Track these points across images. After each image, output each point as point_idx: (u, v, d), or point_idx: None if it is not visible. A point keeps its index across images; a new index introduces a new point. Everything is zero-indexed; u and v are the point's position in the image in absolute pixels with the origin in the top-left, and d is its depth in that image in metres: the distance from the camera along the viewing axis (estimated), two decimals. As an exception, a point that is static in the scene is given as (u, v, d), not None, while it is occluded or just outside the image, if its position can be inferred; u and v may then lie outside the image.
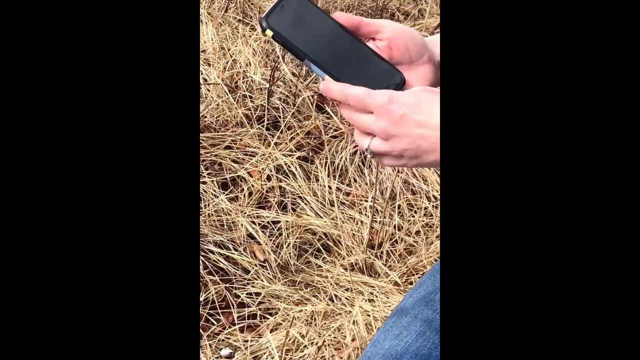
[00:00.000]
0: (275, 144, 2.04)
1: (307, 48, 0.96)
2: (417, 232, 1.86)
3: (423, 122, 0.91)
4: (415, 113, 0.92)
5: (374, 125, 0.92)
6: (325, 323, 1.60)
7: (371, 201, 1.90)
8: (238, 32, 2.46)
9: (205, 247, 1.76)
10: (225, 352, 1.58)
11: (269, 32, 0.96)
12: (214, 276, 1.72)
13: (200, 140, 2.02)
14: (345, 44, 0.98)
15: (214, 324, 1.65)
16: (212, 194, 1.89)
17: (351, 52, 0.99)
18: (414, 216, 1.90)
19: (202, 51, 2.36)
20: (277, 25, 0.96)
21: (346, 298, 1.67)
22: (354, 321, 1.57)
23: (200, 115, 2.09)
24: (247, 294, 1.71)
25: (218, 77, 2.23)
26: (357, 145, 2.04)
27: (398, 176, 1.95)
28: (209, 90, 2.19)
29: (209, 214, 1.84)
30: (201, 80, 2.21)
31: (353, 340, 1.53)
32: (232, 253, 1.78)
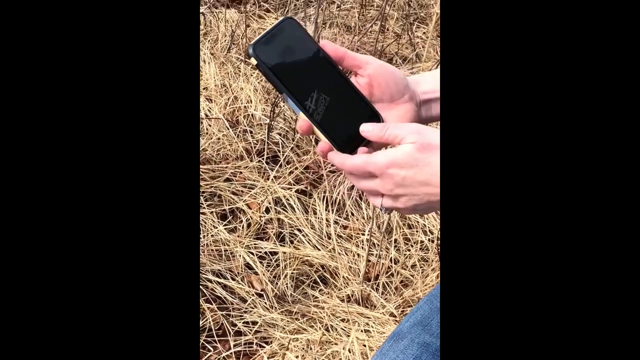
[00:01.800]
0: (275, 177, 2.04)
1: (287, 82, 0.96)
2: (413, 266, 1.86)
3: (427, 181, 0.92)
4: (417, 175, 0.93)
5: (381, 188, 0.94)
6: (321, 351, 1.59)
7: (368, 235, 1.90)
8: (240, 71, 2.49)
9: (204, 275, 1.75)
10: None
11: (254, 61, 0.96)
12: (212, 304, 1.71)
13: (201, 172, 2.03)
14: (327, 79, 0.97)
15: (210, 351, 1.64)
16: (211, 224, 1.89)
17: (331, 89, 0.99)
18: (410, 250, 1.90)
19: (204, 88, 2.38)
20: (263, 55, 0.96)
21: (342, 328, 1.66)
22: (349, 349, 1.56)
23: (201, 148, 2.10)
24: (244, 322, 1.70)
25: (219, 112, 2.25)
26: None
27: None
28: (210, 125, 2.20)
29: (207, 243, 1.84)
30: (202, 115, 2.22)
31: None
32: (229, 282, 1.77)
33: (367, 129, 0.97)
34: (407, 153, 0.95)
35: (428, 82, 1.08)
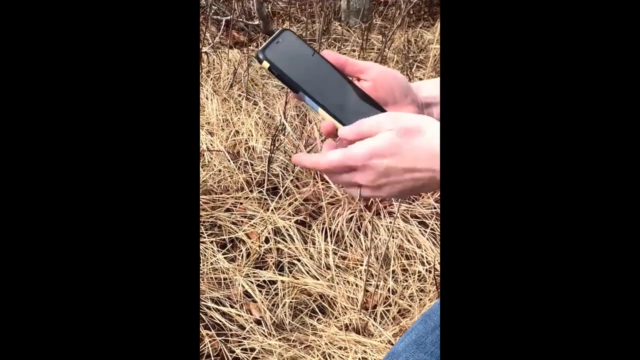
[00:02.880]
0: (274, 208, 2.05)
1: (301, 81, 0.98)
2: (411, 296, 1.86)
3: (412, 168, 0.91)
4: (400, 162, 0.92)
5: (362, 180, 0.91)
6: None
7: (366, 265, 1.90)
8: (241, 107, 2.51)
9: (203, 302, 1.75)
10: None
11: (266, 64, 0.97)
12: (210, 331, 1.71)
13: (202, 203, 2.04)
14: (335, 80, 0.99)
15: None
16: (211, 253, 1.90)
17: (340, 87, 1.00)
18: (407, 280, 1.90)
19: (206, 123, 2.40)
20: (273, 58, 0.98)
21: (340, 356, 1.66)
22: None
23: (203, 180, 2.11)
24: (242, 349, 1.69)
25: (221, 145, 2.26)
26: (353, 211, 2.05)
27: (393, 241, 1.97)
28: (211, 157, 2.21)
29: (206, 271, 1.84)
30: (204, 148, 2.24)
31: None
32: (228, 309, 1.77)
33: (343, 132, 0.95)
34: (388, 140, 0.94)
35: (428, 88, 1.08)
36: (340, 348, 1.67)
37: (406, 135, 0.94)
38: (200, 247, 1.90)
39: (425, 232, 2.02)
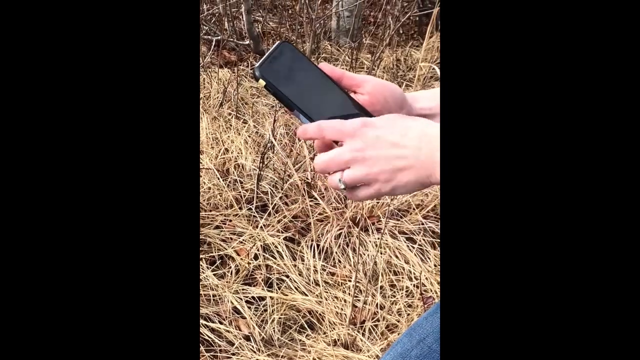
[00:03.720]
0: (263, 225, 2.06)
1: (296, 99, 0.97)
2: (399, 311, 1.86)
3: (398, 142, 0.90)
4: (389, 134, 0.92)
5: (350, 148, 0.91)
6: None
7: (354, 281, 1.90)
8: (231, 125, 2.53)
9: None
10: None
11: (262, 82, 0.97)
12: (199, 347, 1.71)
13: None
14: (331, 94, 0.98)
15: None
16: (200, 270, 1.90)
17: (337, 102, 0.99)
18: (395, 295, 1.90)
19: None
20: (269, 76, 0.97)
21: None
22: None
23: (192, 197, 2.12)
24: None
25: (210, 162, 2.27)
26: (341, 228, 2.06)
27: (381, 257, 1.97)
28: (201, 175, 2.21)
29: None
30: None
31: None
32: (217, 325, 1.77)
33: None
34: (386, 117, 0.97)
35: (424, 100, 1.09)
36: None
37: (400, 116, 0.95)
38: (190, 264, 1.91)
39: (413, 247, 2.03)
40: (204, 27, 3.45)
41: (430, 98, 1.11)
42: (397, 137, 0.92)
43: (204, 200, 2.13)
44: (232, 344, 1.73)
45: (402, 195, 2.15)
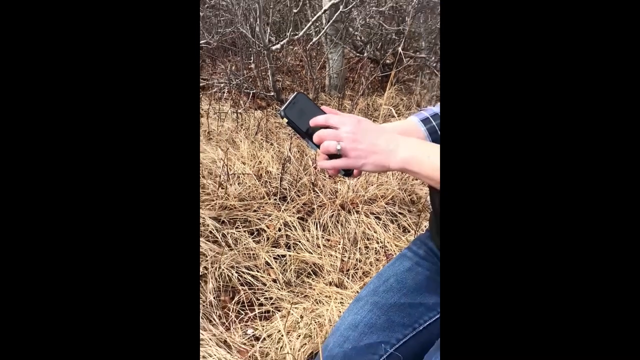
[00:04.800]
0: (284, 210, 2.06)
1: (306, 131, 0.97)
2: (370, 263, 1.86)
3: (376, 137, 0.90)
4: (373, 132, 0.91)
5: (346, 130, 0.90)
6: (312, 314, 1.58)
7: (342, 245, 1.91)
8: (263, 146, 2.53)
9: (239, 269, 1.76)
10: (250, 332, 1.56)
11: (285, 120, 0.97)
12: (244, 287, 1.71)
13: (239, 207, 2.04)
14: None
15: (242, 317, 1.63)
16: (244, 238, 1.90)
17: None
18: (368, 253, 1.90)
19: (241, 157, 2.41)
20: (290, 115, 0.97)
21: (326, 301, 1.66)
22: (329, 312, 1.56)
23: (238, 193, 2.12)
24: (264, 298, 1.69)
25: (250, 170, 2.28)
26: (334, 211, 2.06)
27: (359, 229, 1.98)
28: (245, 179, 2.23)
29: (241, 249, 1.85)
30: (241, 172, 2.25)
31: (329, 322, 1.52)
32: (255, 273, 1.77)
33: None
34: (369, 125, 0.92)
35: (388, 128, 1.09)
36: (326, 296, 1.67)
37: (377, 127, 0.95)
38: (237, 234, 1.91)
39: (379, 223, 2.03)
40: (244, 84, 3.45)
41: (391, 126, 1.12)
42: (376, 135, 0.92)
43: (246, 194, 2.13)
44: (265, 285, 1.73)
45: (372, 188, 2.16)
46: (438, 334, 1.10)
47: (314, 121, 0.95)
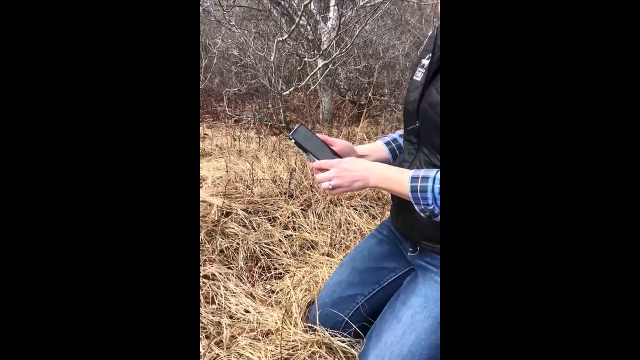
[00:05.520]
0: (292, 204, 2.04)
1: (309, 149, 0.98)
2: (351, 240, 1.85)
3: (353, 169, 0.91)
4: (351, 167, 0.93)
5: (333, 171, 0.92)
6: (311, 275, 1.57)
7: (331, 228, 1.90)
8: (277, 160, 2.52)
9: (259, 246, 1.75)
10: (268, 287, 1.56)
11: (292, 141, 0.98)
12: (264, 256, 1.70)
13: (260, 202, 2.03)
14: (323, 147, 0.99)
15: (262, 277, 1.62)
16: (264, 224, 1.89)
17: (325, 151, 0.98)
18: (348, 234, 1.89)
19: (261, 167, 2.41)
20: (296, 138, 0.98)
21: (320, 267, 1.65)
22: (322, 273, 1.55)
23: (260, 192, 2.11)
24: (278, 263, 1.68)
25: (268, 177, 2.27)
26: (325, 204, 2.05)
27: (342, 217, 1.97)
28: (263, 183, 2.20)
29: (261, 231, 1.84)
30: (260, 177, 2.24)
31: (322, 280, 1.51)
32: (272, 247, 1.75)
33: (318, 164, 0.93)
34: (349, 159, 0.93)
35: (361, 149, 1.10)
36: (320, 263, 1.65)
37: (354, 159, 0.96)
38: (256, 220, 1.90)
39: (357, 212, 2.02)
40: (264, 118, 3.45)
41: (364, 148, 1.12)
42: (353, 169, 0.93)
43: (266, 193, 2.11)
44: (278, 255, 1.71)
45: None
46: (396, 288, 1.10)
47: (313, 165, 0.96)
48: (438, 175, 0.82)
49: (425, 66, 0.90)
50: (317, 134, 0.99)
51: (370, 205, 2.09)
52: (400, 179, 0.87)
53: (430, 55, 0.89)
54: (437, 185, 0.80)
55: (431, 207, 0.82)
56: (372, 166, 0.90)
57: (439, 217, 0.83)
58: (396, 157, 1.10)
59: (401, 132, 1.09)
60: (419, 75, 0.91)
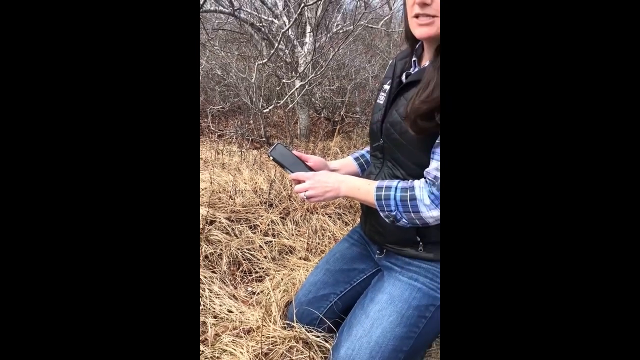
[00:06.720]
0: (271, 212, 2.05)
1: (286, 164, 1.01)
2: (325, 244, 1.88)
3: (326, 181, 0.96)
4: (324, 178, 0.97)
5: (309, 183, 0.96)
6: (289, 277, 1.59)
7: (307, 234, 1.92)
8: (258, 172, 2.53)
9: (241, 252, 1.75)
10: (249, 289, 1.55)
11: (271, 157, 1.01)
12: (246, 261, 1.70)
13: (242, 211, 2.04)
14: (297, 162, 1.02)
15: (244, 280, 1.63)
16: (245, 231, 1.89)
17: (300, 165, 1.01)
18: (323, 239, 1.92)
19: (243, 179, 2.42)
20: (274, 155, 1.01)
21: (297, 269, 1.66)
22: (299, 276, 1.57)
23: (242, 201, 2.12)
24: (259, 267, 1.68)
25: (249, 187, 2.28)
26: (303, 212, 2.07)
27: (317, 223, 2.00)
28: (245, 194, 2.22)
29: (243, 238, 1.84)
30: (242, 189, 2.25)
31: (299, 282, 1.53)
32: (253, 253, 1.76)
33: (294, 176, 0.97)
34: (323, 172, 0.96)
35: (334, 164, 1.14)
36: (298, 266, 1.66)
37: (327, 172, 0.99)
38: (239, 228, 1.90)
39: (331, 219, 2.05)
40: (246, 133, 3.46)
41: (336, 163, 1.16)
42: (326, 181, 0.96)
43: (247, 203, 2.12)
44: (259, 259, 1.72)
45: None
46: (366, 287, 1.14)
47: (291, 177, 0.99)
48: (399, 185, 0.86)
49: (386, 91, 0.96)
50: (293, 151, 1.02)
51: (343, 213, 2.13)
52: (367, 189, 0.91)
53: (390, 81, 0.95)
54: (399, 194, 0.84)
55: (394, 213, 0.86)
56: (343, 178, 0.95)
57: (401, 222, 0.87)
58: (364, 171, 1.15)
59: (369, 148, 1.15)
60: (381, 99, 0.97)
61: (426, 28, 0.73)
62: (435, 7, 0.70)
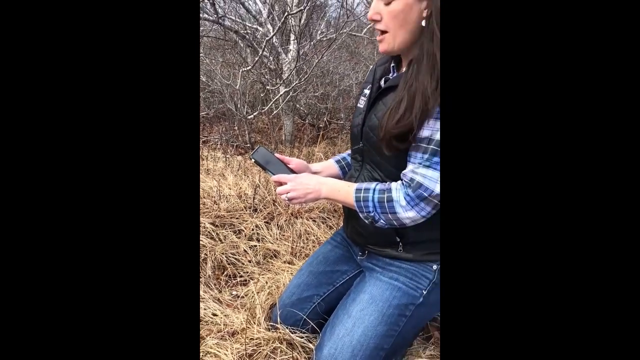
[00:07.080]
0: (255, 217, 2.05)
1: (268, 167, 1.02)
2: (309, 248, 1.88)
3: (307, 184, 0.97)
4: (305, 180, 0.97)
5: (290, 185, 0.97)
6: (273, 280, 1.58)
7: (291, 238, 1.92)
8: (242, 177, 2.52)
9: (226, 257, 1.74)
10: (234, 293, 1.56)
11: (253, 160, 1.01)
12: (230, 265, 1.69)
13: (226, 216, 2.03)
14: (280, 165, 1.03)
15: (229, 283, 1.62)
16: (230, 236, 1.88)
17: (282, 168, 1.01)
18: (307, 243, 1.92)
19: (228, 184, 2.41)
20: (256, 157, 1.01)
21: (282, 273, 1.66)
22: (284, 279, 1.57)
23: (225, 207, 2.11)
24: (243, 271, 1.68)
25: (234, 192, 2.27)
26: (287, 217, 2.08)
27: (302, 228, 2.01)
28: (229, 199, 2.21)
29: (228, 242, 1.83)
30: (226, 194, 2.24)
31: (284, 285, 1.53)
32: (238, 258, 1.75)
33: (276, 178, 0.97)
34: (304, 175, 0.97)
35: (315, 166, 1.15)
36: (282, 270, 1.67)
37: (309, 175, 1.00)
38: (223, 233, 1.89)
39: (315, 223, 2.06)
40: (231, 139, 3.44)
41: (318, 166, 1.17)
42: (307, 183, 0.97)
43: (231, 208, 2.11)
44: (244, 264, 1.72)
45: (312, 203, 2.19)
46: (348, 288, 1.15)
47: (273, 179, 1.00)
48: (377, 187, 0.87)
49: (366, 95, 0.97)
50: (276, 154, 1.01)
51: (327, 217, 2.14)
52: (347, 191, 0.93)
53: (370, 85, 0.97)
54: (377, 196, 0.85)
55: (372, 214, 0.87)
56: (324, 180, 0.96)
57: (379, 222, 0.88)
58: (346, 174, 1.16)
59: (350, 151, 1.16)
60: (362, 103, 0.98)
61: (379, 43, 0.76)
62: (386, 23, 0.73)
